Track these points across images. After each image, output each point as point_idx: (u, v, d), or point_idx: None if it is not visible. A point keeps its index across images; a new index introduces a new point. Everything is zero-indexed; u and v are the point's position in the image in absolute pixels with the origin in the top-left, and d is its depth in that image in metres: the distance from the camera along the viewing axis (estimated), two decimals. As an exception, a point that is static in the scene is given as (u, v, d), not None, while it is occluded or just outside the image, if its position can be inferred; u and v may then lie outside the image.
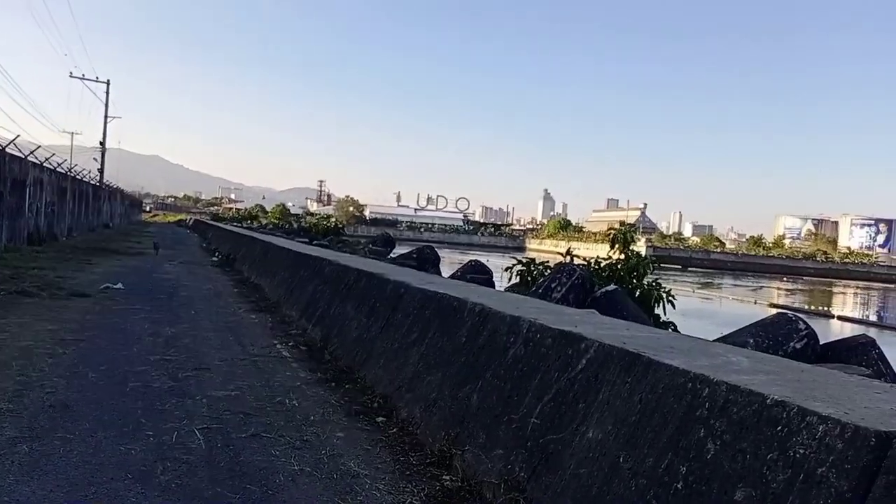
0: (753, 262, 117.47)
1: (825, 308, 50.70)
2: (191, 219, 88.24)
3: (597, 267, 7.26)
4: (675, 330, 6.98)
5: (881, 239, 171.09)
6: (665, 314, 6.99)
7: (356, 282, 7.78)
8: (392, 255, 14.30)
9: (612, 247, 7.35)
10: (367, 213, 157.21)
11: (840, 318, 43.70)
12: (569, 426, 3.04)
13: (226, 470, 3.70)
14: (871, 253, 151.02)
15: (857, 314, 50.50)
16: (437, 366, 4.71)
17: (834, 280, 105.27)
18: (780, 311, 4.36)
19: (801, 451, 2.03)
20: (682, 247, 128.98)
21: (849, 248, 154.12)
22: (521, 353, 3.76)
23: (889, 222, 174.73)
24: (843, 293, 78.84)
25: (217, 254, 25.08)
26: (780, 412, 2.16)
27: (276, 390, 5.58)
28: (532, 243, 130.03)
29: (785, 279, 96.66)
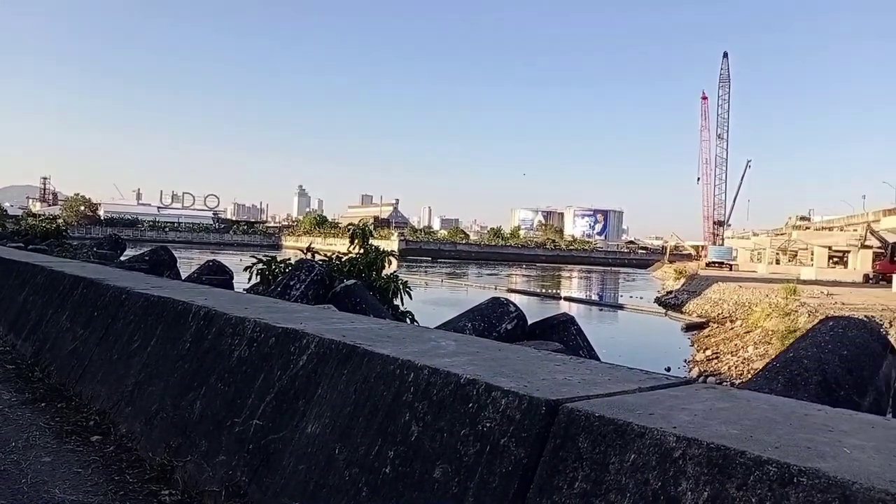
0: (494, 252, 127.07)
1: (555, 290, 56.57)
2: None
3: (338, 262, 7.31)
4: (413, 319, 7.28)
5: (599, 227, 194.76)
6: (403, 304, 7.26)
7: (72, 289, 7.01)
8: (123, 257, 13.12)
9: (351, 242, 7.45)
10: (101, 212, 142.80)
11: (566, 298, 48.99)
12: (289, 424, 3.01)
13: None
14: (591, 240, 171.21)
15: (580, 294, 57.04)
16: (160, 375, 4.41)
17: (562, 265, 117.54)
18: (495, 296, 4.75)
19: (488, 425, 2.20)
20: (431, 240, 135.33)
21: (573, 237, 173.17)
22: (246, 355, 3.65)
23: (605, 213, 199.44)
24: (569, 276, 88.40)
25: None
26: (472, 390, 2.32)
27: (-33, 420, 4.82)
28: (288, 240, 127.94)
29: (525, 266, 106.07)
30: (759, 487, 1.56)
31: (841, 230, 74.27)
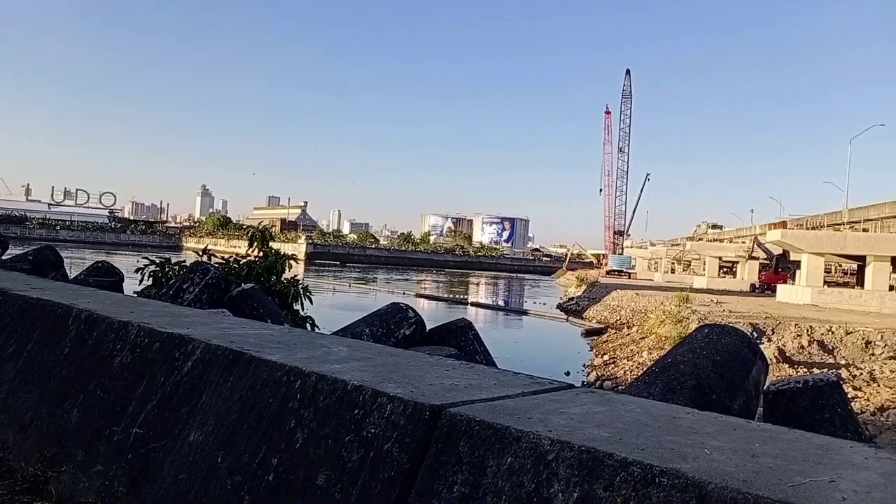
0: (404, 257, 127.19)
1: (463, 296, 57.16)
2: None
3: (235, 265, 7.11)
4: (313, 324, 7.18)
5: (506, 235, 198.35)
6: (304, 309, 7.14)
7: (-60, 290, 6.51)
8: (6, 256, 12.30)
9: (250, 245, 7.27)
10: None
11: (473, 304, 49.60)
12: (171, 432, 2.90)
13: None
14: (498, 247, 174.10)
15: (487, 300, 57.89)
16: (36, 381, 4.15)
17: (471, 271, 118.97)
18: (394, 301, 4.76)
19: (373, 431, 2.20)
20: (341, 244, 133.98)
21: (481, 243, 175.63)
22: (128, 361, 3.50)
23: (512, 220, 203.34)
24: (477, 282, 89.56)
25: None
26: (358, 396, 2.31)
27: None
28: (189, 242, 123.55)
29: (435, 271, 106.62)
30: (624, 488, 1.62)
31: (731, 242, 78.74)
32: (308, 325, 7.09)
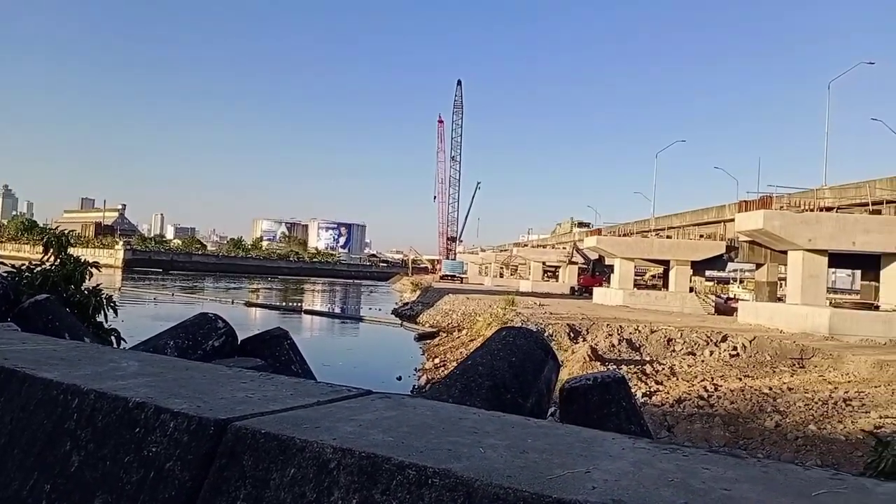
0: (234, 264, 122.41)
1: (297, 303, 55.97)
2: None
3: (28, 274, 6.47)
4: (119, 337, 6.71)
5: (342, 240, 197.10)
6: (107, 321, 6.65)
7: None
8: None
9: (45, 251, 6.65)
10: None
11: (307, 311, 48.77)
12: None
13: None
14: (334, 253, 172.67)
15: (322, 307, 57.14)
16: None
17: (306, 277, 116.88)
18: (203, 311, 4.55)
19: (155, 449, 2.09)
20: (163, 249, 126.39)
21: (317, 249, 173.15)
22: None
23: (349, 226, 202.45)
24: (312, 289, 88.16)
25: None
26: (140, 414, 2.19)
27: None
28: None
29: (269, 279, 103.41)
30: (399, 491, 1.66)
31: (553, 248, 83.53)
32: (113, 339, 6.62)
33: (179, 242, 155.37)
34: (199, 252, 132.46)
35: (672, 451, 1.98)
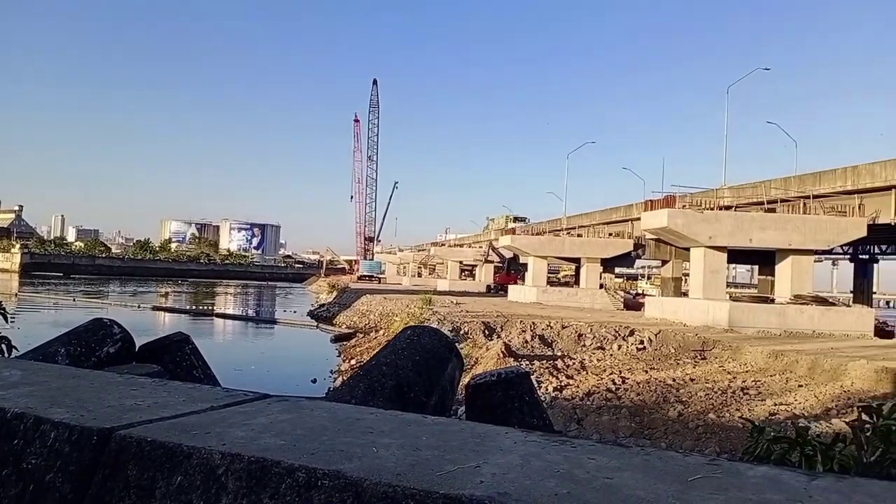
0: (141, 267, 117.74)
1: (208, 307, 54.31)
2: None
3: None
4: (10, 346, 6.34)
5: (256, 241, 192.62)
6: (-4, 330, 6.26)
7: None
8: None
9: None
10: None
11: (219, 315, 47.44)
12: None
13: None
14: (248, 254, 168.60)
15: (235, 310, 55.67)
16: None
17: (218, 280, 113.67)
18: (97, 317, 4.35)
19: (34, 461, 1.99)
20: (64, 252, 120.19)
21: (229, 250, 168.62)
22: None
23: (262, 227, 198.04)
24: (225, 292, 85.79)
25: None
26: (19, 425, 2.09)
27: None
28: None
29: (179, 281, 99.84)
30: (288, 494, 1.65)
31: (469, 247, 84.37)
32: (3, 347, 6.25)
33: (82, 245, 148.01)
34: (104, 255, 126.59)
35: (561, 444, 2.05)
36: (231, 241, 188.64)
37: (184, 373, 4.56)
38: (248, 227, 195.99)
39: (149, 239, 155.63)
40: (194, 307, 53.36)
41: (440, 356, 3.38)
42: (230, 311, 52.49)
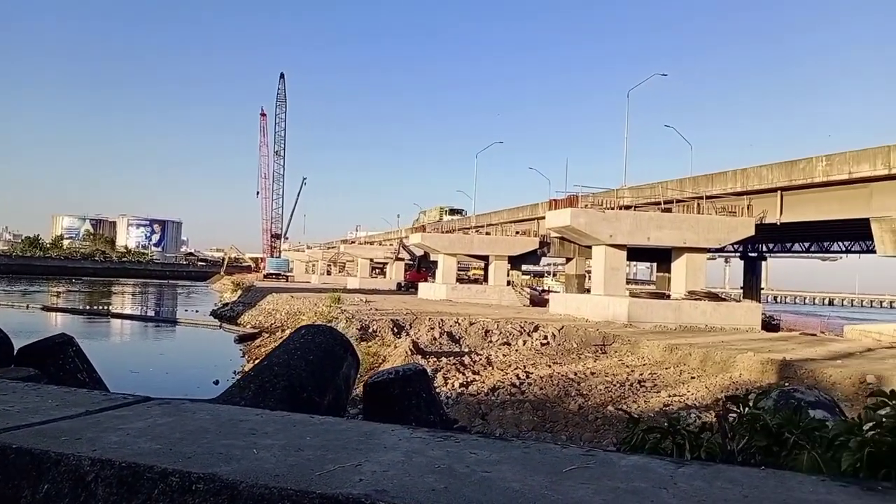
0: (31, 265, 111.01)
1: (104, 307, 51.75)
2: None
3: None
4: None
5: (156, 238, 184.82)
6: None
7: None
8: None
9: None
10: None
11: (115, 315, 45.32)
12: None
13: None
14: (147, 251, 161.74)
15: (132, 310, 53.30)
16: None
17: (115, 278, 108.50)
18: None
19: None
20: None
21: (127, 248, 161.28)
22: None
23: (163, 223, 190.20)
24: (122, 291, 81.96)
25: None
26: None
27: None
28: None
29: (72, 280, 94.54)
30: (161, 499, 1.61)
31: (381, 244, 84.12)
32: None
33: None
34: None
35: (445, 440, 2.09)
36: (129, 237, 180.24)
37: (68, 376, 4.35)
38: (148, 223, 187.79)
39: (39, 235, 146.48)
40: (89, 307, 50.79)
41: (335, 355, 3.37)
42: (128, 311, 50.24)
